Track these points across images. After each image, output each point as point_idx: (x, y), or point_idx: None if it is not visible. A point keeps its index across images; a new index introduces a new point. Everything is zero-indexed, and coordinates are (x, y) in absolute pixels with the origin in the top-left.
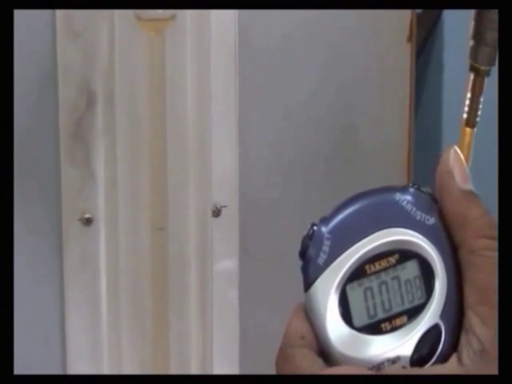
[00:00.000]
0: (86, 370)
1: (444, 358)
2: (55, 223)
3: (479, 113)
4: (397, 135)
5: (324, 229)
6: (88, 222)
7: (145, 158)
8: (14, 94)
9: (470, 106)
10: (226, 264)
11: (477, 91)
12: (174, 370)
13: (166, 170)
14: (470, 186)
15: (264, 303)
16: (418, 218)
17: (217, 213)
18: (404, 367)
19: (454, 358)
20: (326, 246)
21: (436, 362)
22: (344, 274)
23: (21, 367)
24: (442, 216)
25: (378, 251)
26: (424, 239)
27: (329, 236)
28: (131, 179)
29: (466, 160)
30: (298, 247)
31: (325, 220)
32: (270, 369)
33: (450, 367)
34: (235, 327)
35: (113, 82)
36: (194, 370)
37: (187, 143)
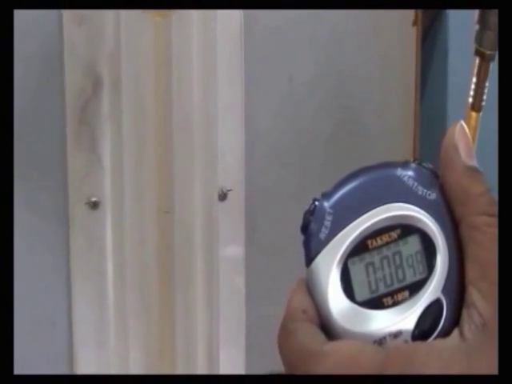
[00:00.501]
0: (92, 355)
1: (446, 333)
2: (62, 207)
3: (485, 97)
4: (401, 120)
5: (326, 204)
6: (94, 205)
7: (151, 142)
8: (21, 78)
9: (476, 91)
10: (232, 250)
11: (482, 75)
12: (180, 353)
13: (171, 153)
14: (474, 162)
15: (269, 290)
16: (420, 192)
17: (223, 197)
18: (406, 341)
19: (455, 333)
20: (327, 220)
21: (438, 337)
22: (346, 249)
23: (28, 352)
24: (443, 191)
25: (379, 226)
26: (425, 214)
27: (330, 211)
28: (137, 163)
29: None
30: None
31: (326, 195)
32: (276, 356)
33: (452, 341)
34: (241, 313)
35: (119, 67)
36: (201, 354)
37: (193, 127)
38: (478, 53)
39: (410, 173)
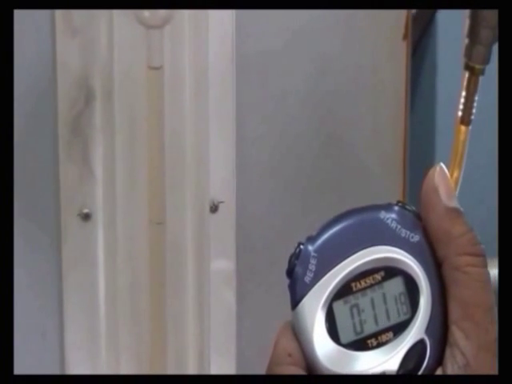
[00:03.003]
0: (83, 365)
1: (429, 373)
2: (53, 218)
3: (474, 111)
4: (391, 133)
5: (310, 248)
6: (86, 217)
7: (143, 154)
8: (13, 90)
9: (465, 104)
10: (223, 262)
11: (471, 89)
12: (171, 366)
13: (163, 165)
14: (454, 203)
15: (260, 304)
16: (403, 235)
17: (214, 208)
18: None
19: (439, 372)
20: (312, 264)
21: None
22: (330, 292)
23: (19, 362)
24: (426, 233)
25: (363, 269)
26: (409, 256)
27: (315, 255)
28: (129, 174)
29: (461, 157)
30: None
31: (311, 239)
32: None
33: None
34: (232, 326)
35: (111, 79)
36: (191, 367)
37: (185, 139)
38: (467, 67)
39: (394, 215)
